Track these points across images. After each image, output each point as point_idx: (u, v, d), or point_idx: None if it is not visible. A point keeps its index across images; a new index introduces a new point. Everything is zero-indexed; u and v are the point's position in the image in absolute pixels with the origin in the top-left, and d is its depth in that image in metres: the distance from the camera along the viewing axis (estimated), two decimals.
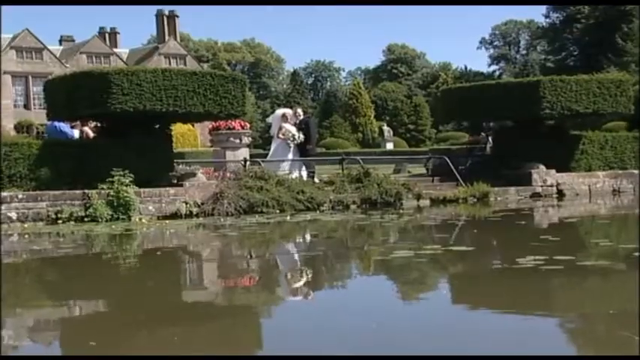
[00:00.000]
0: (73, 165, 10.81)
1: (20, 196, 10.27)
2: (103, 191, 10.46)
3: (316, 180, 13.38)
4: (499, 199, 13.55)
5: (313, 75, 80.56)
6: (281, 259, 6.99)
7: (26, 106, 43.55)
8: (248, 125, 16.03)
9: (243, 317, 4.18)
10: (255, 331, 3.84)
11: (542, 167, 14.32)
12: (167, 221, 10.40)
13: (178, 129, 18.59)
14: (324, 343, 3.33)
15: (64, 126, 12.26)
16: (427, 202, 12.99)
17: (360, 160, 14.21)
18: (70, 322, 4.12)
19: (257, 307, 4.53)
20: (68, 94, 11.17)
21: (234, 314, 4.28)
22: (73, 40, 49.33)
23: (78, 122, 12.52)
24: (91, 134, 12.47)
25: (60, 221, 10.12)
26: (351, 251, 7.56)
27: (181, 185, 11.40)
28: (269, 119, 16.17)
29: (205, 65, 52.55)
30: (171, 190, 11.17)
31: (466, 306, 4.33)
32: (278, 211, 11.32)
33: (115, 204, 10.38)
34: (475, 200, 13.17)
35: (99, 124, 12.32)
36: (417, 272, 5.86)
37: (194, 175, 11.88)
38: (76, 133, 12.38)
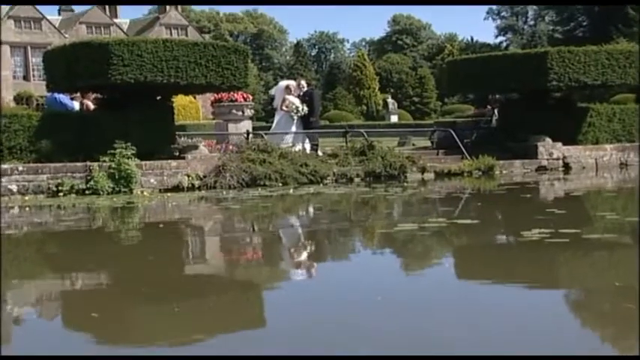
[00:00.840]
0: (73, 137, 10.74)
1: (20, 169, 10.26)
2: (104, 164, 10.43)
3: (320, 153, 13.33)
4: (504, 172, 13.49)
5: (317, 46, 79.83)
6: (284, 233, 7.00)
7: (25, 78, 43.32)
8: (250, 97, 15.93)
9: (244, 292, 4.19)
10: (256, 305, 3.85)
11: (548, 140, 14.24)
12: (169, 194, 10.40)
13: (180, 101, 18.48)
14: (328, 318, 3.32)
15: (64, 97, 12.18)
16: (432, 176, 12.95)
17: (364, 133, 14.15)
18: (71, 295, 4.13)
19: (259, 282, 4.53)
20: (68, 65, 11.08)
21: (235, 289, 4.28)
22: (72, 10, 48.80)
23: (78, 94, 12.45)
24: (92, 106, 12.40)
25: (61, 194, 10.12)
26: (355, 225, 7.56)
27: (183, 158, 11.36)
28: (272, 91, 16.07)
29: (207, 36, 52.03)
30: (173, 163, 11.14)
31: (470, 279, 4.33)
32: (281, 184, 11.29)
33: (117, 177, 10.37)
34: (480, 173, 13.11)
35: (99, 96, 12.24)
36: (421, 246, 5.85)
37: (196, 147, 11.84)
38: (76, 105, 12.31)
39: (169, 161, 11.17)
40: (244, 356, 2.75)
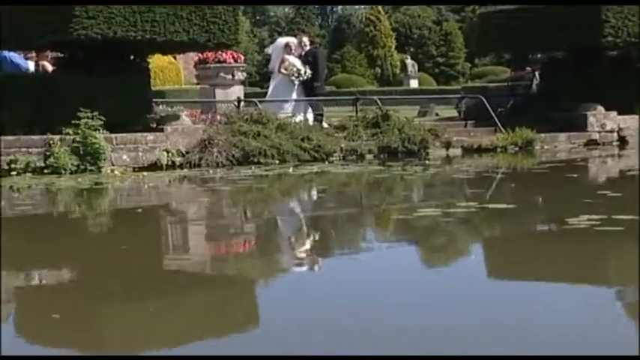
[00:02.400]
0: (28, 105, 10.65)
1: None
2: (66, 137, 10.39)
3: (325, 124, 13.33)
4: (546, 147, 13.47)
5: None
6: (282, 220, 7.02)
7: None
8: (242, 58, 15.88)
9: (235, 289, 4.20)
10: (249, 306, 3.86)
11: (600, 109, 14.16)
12: (144, 173, 10.42)
13: (157, 62, 18.41)
14: (331, 322, 3.30)
15: (17, 57, 12.10)
16: (458, 152, 12.95)
17: (378, 101, 14.12)
18: (27, 292, 4.15)
19: (252, 278, 4.54)
20: (20, 18, 10.93)
21: (224, 285, 4.30)
22: None
23: (33, 53, 12.39)
24: (50, 67, 12.34)
25: (14, 173, 10.04)
26: (366, 210, 7.57)
27: (162, 130, 11.36)
28: (268, 50, 16.02)
29: None
30: (150, 136, 11.15)
31: (504, 277, 4.32)
32: (278, 162, 11.31)
33: (82, 152, 10.35)
34: (517, 149, 13.10)
35: (59, 55, 12.16)
36: (444, 236, 5.86)
37: (177, 117, 11.84)
38: (31, 66, 12.26)
39: (145, 134, 11.17)
40: (244, 356, 2.80)
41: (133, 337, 3.26)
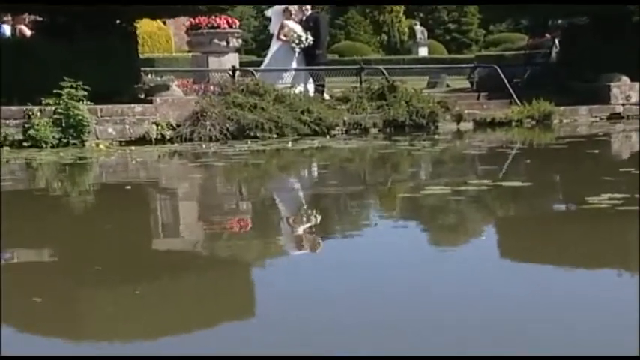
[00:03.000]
0: (5, 73, 10.58)
1: None
2: (47, 108, 10.37)
3: (326, 96, 13.30)
4: (565, 121, 13.43)
5: None
6: (280, 199, 7.02)
7: None
8: (237, 23, 15.78)
9: (229, 273, 4.21)
10: (244, 291, 3.86)
11: (624, 79, 14.09)
12: (132, 148, 10.41)
13: (145, 27, 18.30)
14: (333, 312, 3.28)
15: None
16: (470, 126, 12.92)
17: (384, 71, 14.07)
18: (7, 275, 4.16)
19: (248, 261, 4.55)
20: None
21: (218, 269, 4.31)
22: None
23: (9, 16, 12.29)
24: (28, 32, 12.26)
25: None
26: (370, 188, 7.58)
27: (151, 102, 11.34)
28: (268, 12, 15.89)
29: None
30: (138, 108, 11.13)
31: (518, 260, 4.33)
32: (276, 136, 11.30)
33: (64, 124, 10.32)
34: (534, 123, 13.08)
35: (38, 19, 12.07)
36: (454, 215, 5.86)
37: (167, 88, 11.81)
38: (7, 31, 12.18)
39: (132, 105, 11.15)
40: (242, 356, 2.80)
41: (116, 323, 3.26)
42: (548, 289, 3.59)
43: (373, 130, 12.25)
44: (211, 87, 12.71)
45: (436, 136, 11.79)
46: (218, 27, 14.85)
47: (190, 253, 4.85)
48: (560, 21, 16.51)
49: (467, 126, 12.89)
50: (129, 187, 7.48)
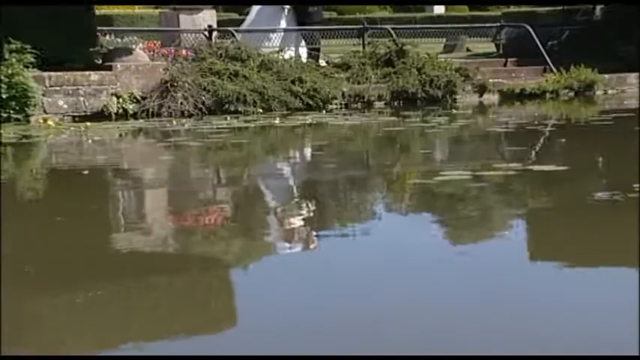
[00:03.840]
0: None
1: None
2: None
3: (322, 62, 13.29)
4: (611, 92, 13.45)
5: None
6: (266, 186, 7.01)
7: None
8: None
9: (205, 277, 4.19)
10: (223, 298, 3.86)
11: None
12: (88, 124, 10.40)
13: None
14: (328, 325, 3.28)
15: None
16: (496, 98, 12.96)
17: (392, 32, 14.03)
18: None
19: (227, 261, 4.54)
20: None
21: (190, 270, 4.30)
22: None
23: None
24: None
25: None
26: (375, 173, 7.59)
27: (109, 68, 11.32)
28: None
29: None
30: (94, 76, 11.11)
31: (550, 261, 4.32)
32: (261, 111, 11.30)
33: (5, 96, 10.27)
34: (572, 94, 13.12)
35: None
36: (475, 206, 5.86)
37: (130, 52, 11.77)
38: None
39: (88, 73, 11.13)
40: (242, 356, 2.93)
41: (61, 337, 3.24)
42: (587, 299, 3.58)
43: (378, 104, 12.24)
44: (183, 51, 12.68)
45: (454, 111, 11.80)
46: None
47: (158, 251, 4.83)
48: None
49: (491, 98, 12.89)
50: (84, 172, 7.46)
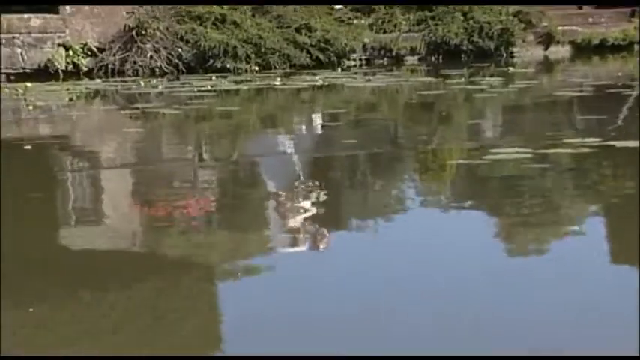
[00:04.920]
0: None
1: None
2: None
3: (337, 6, 13.22)
4: None
5: None
6: (263, 169, 7.02)
7: None
8: None
9: (178, 287, 4.21)
10: (204, 311, 3.89)
11: None
12: (28, 85, 10.45)
13: None
14: (336, 347, 3.32)
15: None
16: (566, 51, 12.97)
17: None
18: None
19: (212, 265, 4.57)
20: None
21: (161, 278, 4.31)
22: None
23: None
24: None
25: None
26: (406, 152, 7.60)
27: (56, 11, 11.36)
28: None
29: None
30: (35, 21, 11.15)
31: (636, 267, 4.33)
32: (257, 69, 11.38)
33: None
34: None
35: None
36: (537, 194, 5.87)
37: None
38: None
39: (27, 17, 11.17)
40: (242, 356, 3.16)
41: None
42: None
43: (410, 60, 12.21)
44: None
45: (511, 69, 11.77)
46: None
47: (122, 252, 4.86)
48: None
49: (560, 52, 12.85)
50: (28, 147, 7.47)
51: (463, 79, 10.79)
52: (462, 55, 12.34)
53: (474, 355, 3.17)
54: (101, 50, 11.14)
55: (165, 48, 11.17)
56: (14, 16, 10.98)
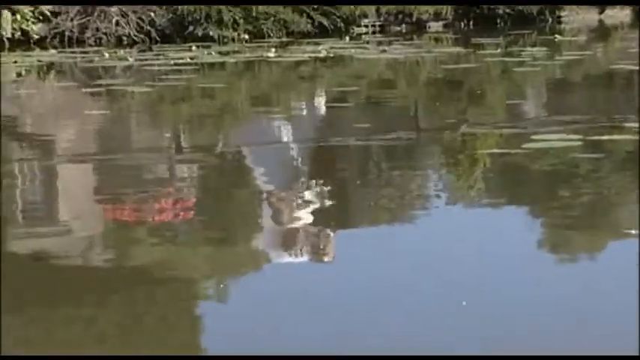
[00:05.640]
0: None
1: None
2: None
3: None
4: None
5: None
6: (256, 161, 7.02)
7: None
8: None
9: (149, 306, 4.22)
10: (183, 334, 3.91)
11: None
12: None
13: None
14: None
15: None
16: (626, 15, 13.04)
17: None
18: None
19: (188, 284, 4.55)
20: None
21: (134, 293, 4.31)
22: None
23: None
24: None
25: None
26: (429, 139, 7.65)
27: None
28: None
29: None
30: None
31: None
32: (247, 37, 11.53)
33: None
34: None
35: None
36: (589, 190, 5.89)
37: None
38: None
39: None
40: (242, 356, 3.40)
41: None
42: None
43: (434, 26, 12.23)
44: None
45: (557, 37, 11.80)
46: None
47: (76, 265, 4.85)
48: None
49: (619, 16, 12.83)
50: None
51: (499, 50, 10.83)
52: (498, 21, 12.37)
53: (474, 355, 3.47)
54: (56, 14, 11.15)
55: (134, 12, 11.17)
56: None
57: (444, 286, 4.26)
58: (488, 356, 3.49)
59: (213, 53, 10.58)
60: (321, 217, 5.43)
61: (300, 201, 5.78)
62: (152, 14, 11.15)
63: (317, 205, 5.66)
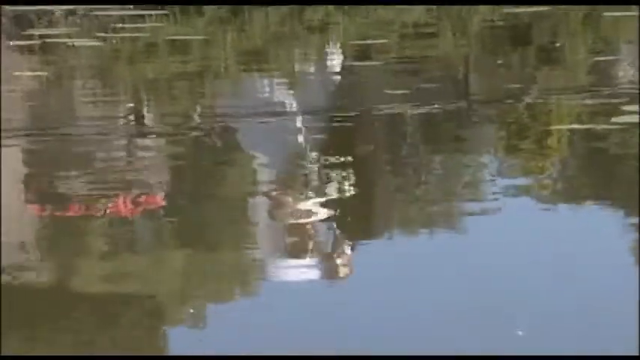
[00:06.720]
0: None
1: None
2: None
3: None
4: None
5: None
6: (247, 138, 7.05)
7: None
8: None
9: (115, 325, 4.24)
10: None
11: None
12: None
13: None
14: None
15: None
16: None
17: None
18: None
19: (152, 304, 4.59)
20: None
21: (73, 313, 4.33)
22: None
23: None
24: None
25: None
26: (484, 109, 7.74)
27: None
28: None
29: None
30: None
31: None
32: None
33: None
34: None
35: None
36: None
37: None
38: None
39: None
40: (242, 356, 3.79)
41: None
42: None
43: None
44: None
45: None
46: None
47: (9, 278, 4.86)
48: None
49: None
50: None
51: None
52: None
53: (475, 355, 4.00)
54: None
55: None
56: None
57: (507, 304, 4.33)
58: (488, 356, 4.02)
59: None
60: (336, 213, 5.49)
61: (306, 194, 5.79)
62: None
63: (331, 198, 5.70)
